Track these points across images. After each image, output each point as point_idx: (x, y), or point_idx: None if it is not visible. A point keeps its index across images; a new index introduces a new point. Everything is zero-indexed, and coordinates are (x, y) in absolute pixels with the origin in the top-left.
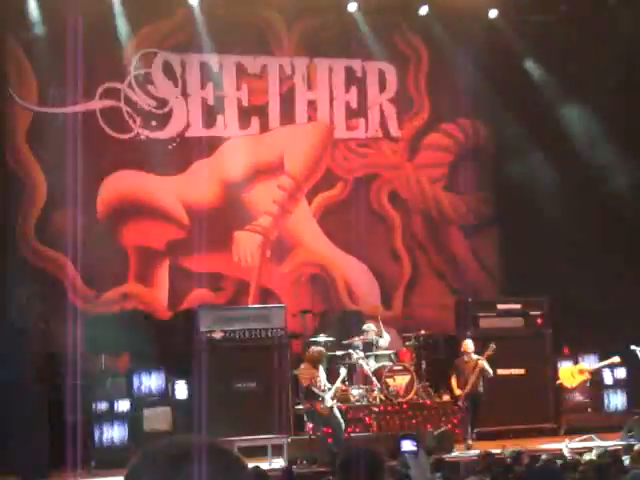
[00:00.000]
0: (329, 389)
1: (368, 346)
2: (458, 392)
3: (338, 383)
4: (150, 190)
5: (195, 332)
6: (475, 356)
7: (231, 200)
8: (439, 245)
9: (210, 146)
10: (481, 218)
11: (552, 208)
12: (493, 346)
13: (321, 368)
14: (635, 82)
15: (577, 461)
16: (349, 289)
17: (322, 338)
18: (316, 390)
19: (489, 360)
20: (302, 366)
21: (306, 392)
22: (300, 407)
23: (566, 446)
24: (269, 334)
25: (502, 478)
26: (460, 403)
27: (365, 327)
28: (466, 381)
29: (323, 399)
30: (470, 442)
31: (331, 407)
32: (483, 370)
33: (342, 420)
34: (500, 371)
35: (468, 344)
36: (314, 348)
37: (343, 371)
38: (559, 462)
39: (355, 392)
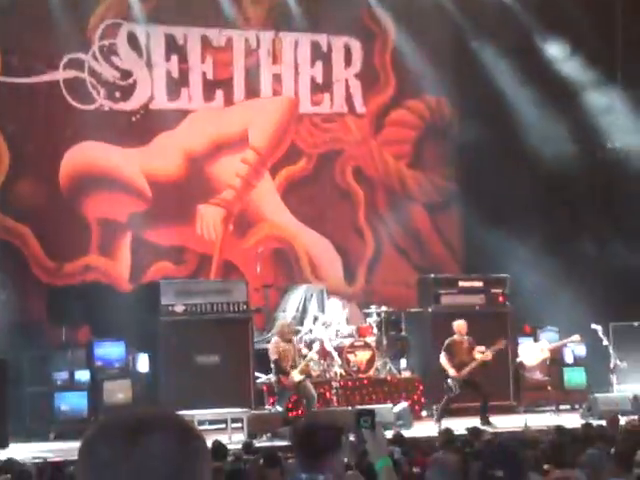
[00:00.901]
0: (300, 362)
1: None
2: (452, 372)
3: (308, 358)
4: (113, 162)
5: (157, 305)
6: (467, 337)
7: (194, 173)
8: (402, 222)
9: (174, 118)
10: (445, 195)
11: (516, 184)
12: (504, 341)
13: (293, 342)
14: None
15: (536, 438)
16: (312, 264)
17: (283, 313)
18: (284, 364)
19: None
20: (273, 340)
21: (275, 366)
22: (261, 381)
23: (525, 424)
24: (231, 308)
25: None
26: (451, 382)
27: (328, 303)
28: (461, 362)
29: (289, 373)
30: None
31: (299, 381)
32: (487, 362)
33: (314, 393)
34: None
35: (462, 325)
36: (284, 322)
37: (315, 346)
38: (518, 439)
39: (316, 367)
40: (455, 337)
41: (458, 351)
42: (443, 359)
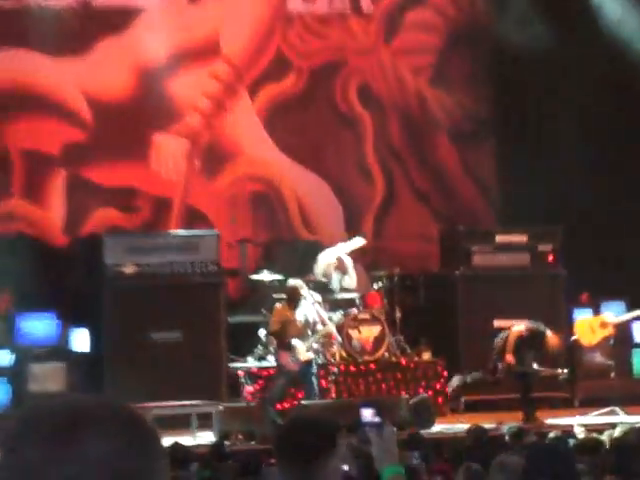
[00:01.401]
0: (310, 336)
1: (325, 287)
2: (509, 357)
3: (323, 332)
4: (41, 76)
5: (99, 265)
6: (557, 347)
7: (149, 92)
8: (422, 157)
9: (122, 19)
10: (477, 122)
11: (574, 107)
12: (562, 371)
13: (300, 308)
14: None
15: (595, 440)
16: (303, 213)
17: (266, 275)
18: (287, 336)
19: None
20: (277, 306)
21: (275, 338)
22: (235, 365)
23: (578, 423)
24: (197, 269)
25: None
26: (500, 366)
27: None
28: (524, 356)
29: (294, 349)
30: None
31: (306, 361)
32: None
33: (315, 386)
34: (498, 323)
35: (555, 339)
36: (290, 282)
37: (337, 316)
38: (572, 441)
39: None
40: (551, 336)
41: (536, 346)
42: (512, 338)
